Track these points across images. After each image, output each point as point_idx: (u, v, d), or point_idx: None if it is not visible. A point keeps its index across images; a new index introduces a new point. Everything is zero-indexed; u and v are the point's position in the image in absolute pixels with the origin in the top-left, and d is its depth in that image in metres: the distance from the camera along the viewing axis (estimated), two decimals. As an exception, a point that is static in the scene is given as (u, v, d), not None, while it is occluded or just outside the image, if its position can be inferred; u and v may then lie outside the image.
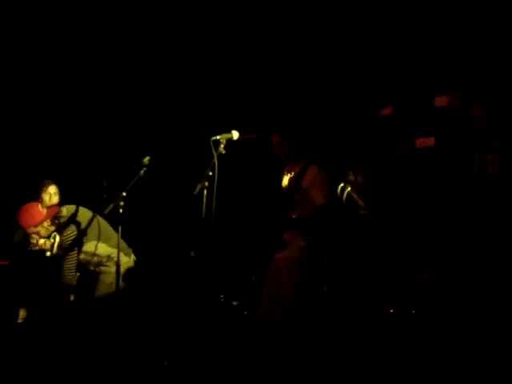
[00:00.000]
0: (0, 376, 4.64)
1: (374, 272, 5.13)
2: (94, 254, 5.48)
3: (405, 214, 4.66)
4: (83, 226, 5.46)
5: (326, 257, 4.63)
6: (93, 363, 4.81)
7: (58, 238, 5.85)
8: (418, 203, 4.53)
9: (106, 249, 5.49)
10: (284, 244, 4.74)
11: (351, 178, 4.84)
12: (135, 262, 5.65)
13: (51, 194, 5.98)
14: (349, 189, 4.75)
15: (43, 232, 5.45)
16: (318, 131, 5.87)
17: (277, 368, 4.35)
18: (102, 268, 5.54)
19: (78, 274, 5.53)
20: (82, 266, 5.52)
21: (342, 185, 4.79)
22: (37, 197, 5.95)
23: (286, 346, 4.45)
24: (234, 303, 5.68)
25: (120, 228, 5.14)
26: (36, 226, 5.41)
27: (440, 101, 5.01)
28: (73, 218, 5.48)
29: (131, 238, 5.66)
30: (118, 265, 4.99)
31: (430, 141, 4.80)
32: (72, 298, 5.51)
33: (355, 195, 4.74)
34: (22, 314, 5.74)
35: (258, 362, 4.47)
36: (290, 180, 4.78)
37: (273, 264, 4.83)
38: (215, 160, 4.31)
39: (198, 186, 4.26)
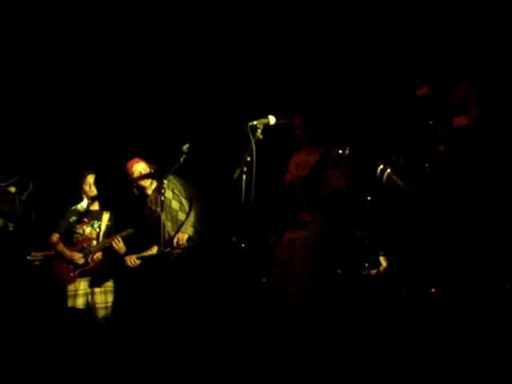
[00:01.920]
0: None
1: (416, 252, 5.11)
2: None
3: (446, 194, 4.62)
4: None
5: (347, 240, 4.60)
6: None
7: (103, 228, 6.00)
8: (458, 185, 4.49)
9: None
10: (298, 224, 4.69)
11: (392, 159, 4.82)
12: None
13: (90, 183, 6.08)
14: (389, 170, 4.74)
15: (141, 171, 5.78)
16: (348, 114, 5.87)
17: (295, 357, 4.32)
18: None
19: None
20: None
21: (381, 166, 4.78)
22: (79, 189, 6.10)
23: (303, 330, 4.40)
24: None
25: (164, 214, 5.28)
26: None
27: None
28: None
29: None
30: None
31: (464, 120, 4.75)
32: None
33: (395, 177, 4.72)
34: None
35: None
36: (309, 164, 4.74)
37: (283, 243, 4.76)
38: (253, 145, 4.34)
39: (237, 172, 4.30)
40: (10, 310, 5.68)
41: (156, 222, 5.68)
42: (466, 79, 4.23)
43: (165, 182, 5.49)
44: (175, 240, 5.64)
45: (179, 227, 5.69)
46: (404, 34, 5.82)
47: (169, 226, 5.71)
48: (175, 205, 5.76)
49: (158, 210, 5.62)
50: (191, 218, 5.70)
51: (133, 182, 5.85)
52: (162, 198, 5.36)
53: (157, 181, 5.85)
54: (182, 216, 5.75)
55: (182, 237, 5.63)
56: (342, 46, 6.17)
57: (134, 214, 5.78)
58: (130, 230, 5.90)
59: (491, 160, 3.99)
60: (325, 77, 6.34)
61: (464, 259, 4.03)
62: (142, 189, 5.85)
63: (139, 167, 5.83)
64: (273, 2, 6.09)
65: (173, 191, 5.76)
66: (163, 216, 5.54)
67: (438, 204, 4.34)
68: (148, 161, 5.92)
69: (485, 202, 4.00)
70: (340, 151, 4.31)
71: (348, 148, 4.30)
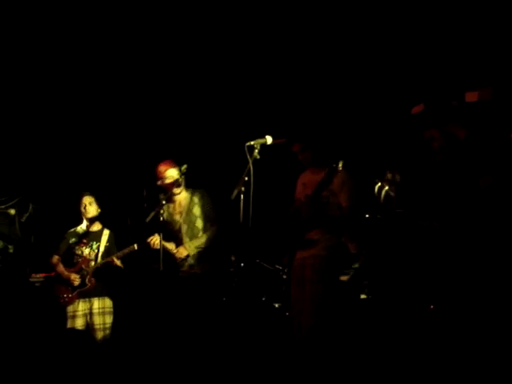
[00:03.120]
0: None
1: (414, 269, 5.13)
2: None
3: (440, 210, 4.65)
4: None
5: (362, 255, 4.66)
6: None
7: (101, 248, 6.01)
8: (453, 200, 4.52)
9: None
10: (307, 242, 4.78)
11: (389, 176, 4.86)
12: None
13: (86, 204, 6.08)
14: (386, 188, 4.78)
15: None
16: (348, 134, 5.92)
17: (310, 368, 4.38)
18: None
19: None
20: None
21: (379, 184, 4.82)
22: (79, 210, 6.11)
23: (316, 346, 4.48)
24: (276, 305, 5.74)
25: (161, 234, 5.28)
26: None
27: (471, 96, 5.00)
28: None
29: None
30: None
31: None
32: None
33: (393, 194, 4.75)
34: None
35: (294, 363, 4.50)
36: (316, 183, 4.78)
37: (296, 262, 4.84)
38: (250, 165, 4.38)
39: (235, 191, 4.33)
40: (11, 331, 5.70)
41: (174, 231, 5.72)
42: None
43: (196, 196, 5.55)
44: (175, 251, 5.63)
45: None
46: (398, 52, 5.88)
47: (186, 241, 5.67)
48: (199, 223, 5.72)
49: (181, 221, 5.65)
50: (201, 240, 5.66)
51: (163, 187, 5.69)
52: (190, 211, 5.51)
53: (186, 191, 5.77)
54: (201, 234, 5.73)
55: (181, 253, 5.63)
56: (337, 65, 6.23)
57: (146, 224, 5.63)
58: (132, 247, 5.87)
59: (478, 177, 4.05)
60: (320, 98, 6.39)
61: (459, 278, 4.06)
62: (171, 195, 5.68)
63: (173, 173, 5.65)
64: (269, 22, 6.15)
65: (202, 208, 5.71)
66: (184, 229, 5.63)
67: (426, 230, 4.40)
68: None
69: (474, 221, 4.04)
70: (334, 165, 4.36)
71: (341, 162, 4.35)
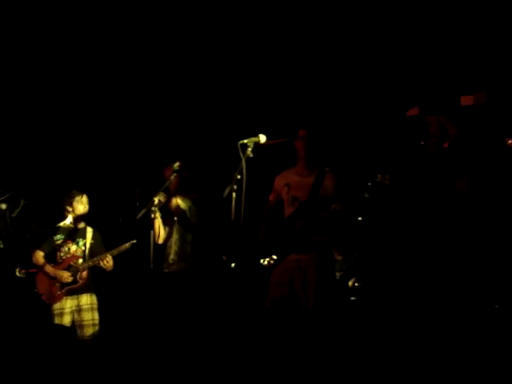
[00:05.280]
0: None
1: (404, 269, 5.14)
2: None
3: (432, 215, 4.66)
4: None
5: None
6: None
7: (87, 245, 5.98)
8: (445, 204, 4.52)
9: None
10: (305, 244, 4.85)
11: (378, 180, 4.86)
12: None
13: (77, 200, 6.00)
14: (376, 191, 4.78)
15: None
16: (340, 136, 5.93)
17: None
18: None
19: None
20: None
21: (369, 187, 4.82)
22: (64, 206, 6.08)
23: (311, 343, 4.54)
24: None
25: (152, 232, 5.27)
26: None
27: (466, 100, 5.01)
28: None
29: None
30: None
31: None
32: None
33: (383, 198, 4.76)
34: None
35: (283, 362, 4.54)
36: (306, 186, 4.91)
37: (289, 264, 4.90)
38: (243, 163, 4.36)
39: (227, 190, 4.31)
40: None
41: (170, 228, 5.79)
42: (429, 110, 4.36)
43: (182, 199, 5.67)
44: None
45: (182, 246, 5.74)
46: (393, 55, 5.89)
47: (174, 239, 5.75)
48: (189, 237, 5.78)
49: (176, 220, 5.72)
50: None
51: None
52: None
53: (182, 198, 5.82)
54: (189, 237, 5.78)
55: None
56: (333, 68, 6.23)
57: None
58: (127, 245, 5.82)
59: (455, 179, 4.07)
60: (314, 99, 6.41)
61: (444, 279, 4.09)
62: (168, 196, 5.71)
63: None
64: (263, 24, 6.15)
65: (189, 209, 5.77)
66: (175, 229, 5.70)
67: (399, 227, 4.46)
68: None
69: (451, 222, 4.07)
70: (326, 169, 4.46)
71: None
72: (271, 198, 5.21)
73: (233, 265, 4.97)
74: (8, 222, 6.83)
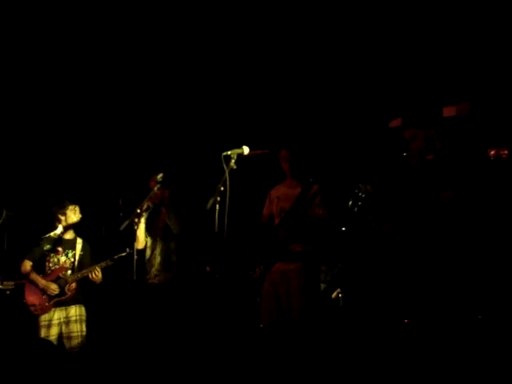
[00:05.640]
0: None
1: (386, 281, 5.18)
2: None
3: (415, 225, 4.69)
4: None
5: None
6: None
7: (77, 257, 5.95)
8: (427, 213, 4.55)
9: None
10: (289, 255, 4.89)
11: (361, 190, 4.88)
12: None
13: (69, 210, 5.99)
14: (359, 202, 4.79)
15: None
16: (324, 147, 5.96)
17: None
18: None
19: None
20: None
21: (352, 197, 4.84)
22: (56, 217, 6.04)
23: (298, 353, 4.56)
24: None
25: (135, 244, 5.25)
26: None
27: (449, 111, 5.04)
28: None
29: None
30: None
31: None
32: None
33: (365, 208, 4.77)
34: None
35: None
36: (292, 197, 4.96)
37: (274, 275, 4.94)
38: (226, 175, 4.36)
39: (210, 201, 4.31)
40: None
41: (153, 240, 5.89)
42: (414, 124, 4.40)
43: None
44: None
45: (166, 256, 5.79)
46: (376, 67, 5.92)
47: (158, 251, 5.84)
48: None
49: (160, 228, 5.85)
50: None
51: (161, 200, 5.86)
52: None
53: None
54: (173, 245, 5.86)
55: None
56: (315, 79, 6.26)
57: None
58: (108, 262, 5.83)
59: (440, 190, 4.09)
60: (303, 110, 6.43)
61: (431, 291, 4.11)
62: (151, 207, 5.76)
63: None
64: (246, 38, 6.17)
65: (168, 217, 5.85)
66: (158, 240, 5.82)
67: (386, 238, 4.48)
68: None
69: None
70: (311, 180, 4.56)
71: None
72: (264, 211, 5.26)
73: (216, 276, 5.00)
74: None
